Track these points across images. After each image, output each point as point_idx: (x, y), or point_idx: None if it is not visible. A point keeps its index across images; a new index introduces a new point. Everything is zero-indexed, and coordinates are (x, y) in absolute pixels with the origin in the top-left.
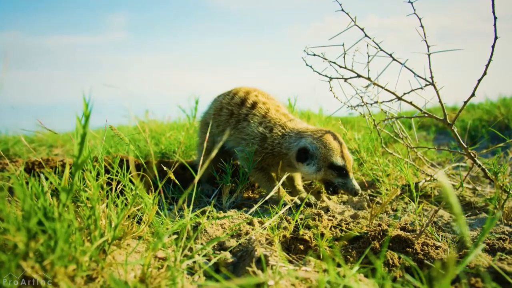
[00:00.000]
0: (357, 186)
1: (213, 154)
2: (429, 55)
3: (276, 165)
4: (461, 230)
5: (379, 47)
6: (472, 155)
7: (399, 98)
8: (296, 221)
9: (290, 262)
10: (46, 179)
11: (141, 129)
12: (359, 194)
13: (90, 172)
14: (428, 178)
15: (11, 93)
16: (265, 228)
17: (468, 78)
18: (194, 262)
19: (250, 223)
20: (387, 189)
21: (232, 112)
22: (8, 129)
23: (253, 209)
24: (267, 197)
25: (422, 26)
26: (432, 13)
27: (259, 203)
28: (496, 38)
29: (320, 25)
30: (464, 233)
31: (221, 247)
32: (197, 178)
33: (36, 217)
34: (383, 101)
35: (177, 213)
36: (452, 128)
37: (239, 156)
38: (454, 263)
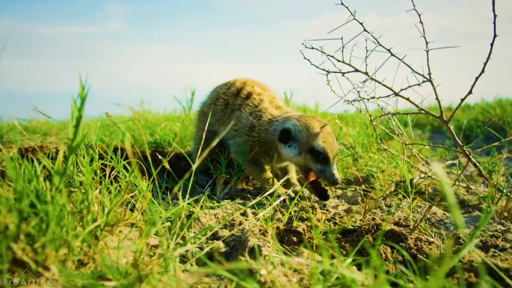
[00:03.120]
0: (337, 175)
1: (213, 144)
2: (427, 51)
3: (266, 156)
4: (456, 220)
5: (378, 42)
6: (467, 153)
7: (396, 94)
8: (290, 213)
9: (284, 253)
10: (39, 163)
11: (136, 118)
12: (338, 184)
13: (84, 157)
14: (422, 175)
15: (7, 81)
16: (258, 219)
17: (464, 80)
18: (187, 250)
19: (244, 214)
20: (381, 185)
21: (227, 102)
22: (2, 115)
23: (250, 204)
24: (265, 194)
25: (421, 22)
26: (432, 14)
27: (257, 199)
28: (495, 36)
29: (320, 21)
30: (458, 223)
31: (214, 236)
32: (194, 166)
33: (28, 199)
34: (380, 97)
35: (171, 202)
36: (448, 125)
37: (232, 150)
38: (450, 254)
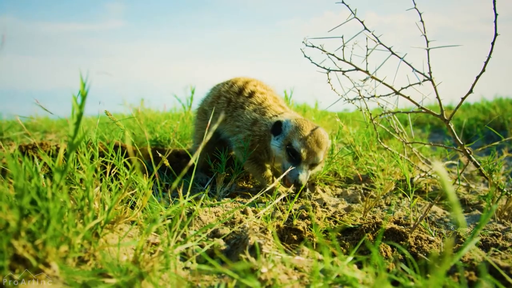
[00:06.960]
0: (301, 178)
1: (208, 136)
2: (428, 50)
3: (266, 153)
4: (457, 219)
5: (378, 40)
6: (468, 152)
7: (397, 93)
8: (290, 211)
9: (284, 251)
10: (40, 160)
11: (136, 117)
12: (299, 186)
13: (84, 155)
14: (422, 174)
15: (7, 78)
16: (259, 217)
17: (464, 79)
18: (187, 248)
19: (244, 212)
20: (381, 184)
21: (230, 100)
22: (1, 113)
23: (249, 201)
24: (264, 191)
25: (422, 21)
26: (432, 13)
27: (256, 196)
28: (496, 35)
29: (319, 20)
30: (459, 222)
31: (215, 234)
32: (192, 160)
33: (29, 196)
34: (381, 95)
35: (171, 199)
36: (449, 124)
37: (233, 147)
38: (451, 253)
